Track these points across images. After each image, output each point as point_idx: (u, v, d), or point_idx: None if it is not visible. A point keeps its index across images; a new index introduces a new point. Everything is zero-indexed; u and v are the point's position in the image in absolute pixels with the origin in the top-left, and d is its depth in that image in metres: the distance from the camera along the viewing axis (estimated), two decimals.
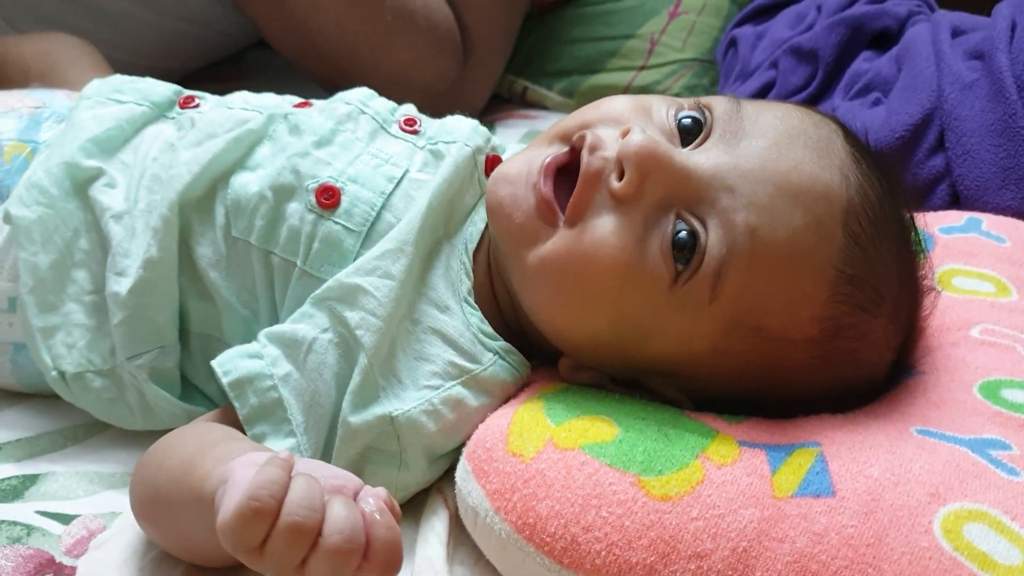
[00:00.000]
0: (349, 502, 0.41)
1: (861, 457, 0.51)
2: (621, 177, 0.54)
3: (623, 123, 0.56)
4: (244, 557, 0.41)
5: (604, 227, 0.54)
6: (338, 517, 0.40)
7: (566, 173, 0.56)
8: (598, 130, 0.56)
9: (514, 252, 0.57)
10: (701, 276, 0.53)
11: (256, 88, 1.22)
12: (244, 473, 0.42)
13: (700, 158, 0.54)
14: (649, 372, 0.57)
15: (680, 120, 0.56)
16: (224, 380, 0.54)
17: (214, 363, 0.55)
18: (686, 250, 0.53)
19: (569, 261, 0.54)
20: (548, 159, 0.56)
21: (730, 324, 0.54)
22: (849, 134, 0.58)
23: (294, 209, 0.60)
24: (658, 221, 0.54)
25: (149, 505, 0.52)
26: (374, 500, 0.42)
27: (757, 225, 0.52)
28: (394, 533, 0.41)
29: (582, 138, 0.56)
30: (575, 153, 0.56)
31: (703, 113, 0.56)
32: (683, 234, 0.53)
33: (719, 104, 0.57)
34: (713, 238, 0.53)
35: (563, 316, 0.56)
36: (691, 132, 0.56)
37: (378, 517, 0.41)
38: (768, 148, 0.54)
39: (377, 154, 0.62)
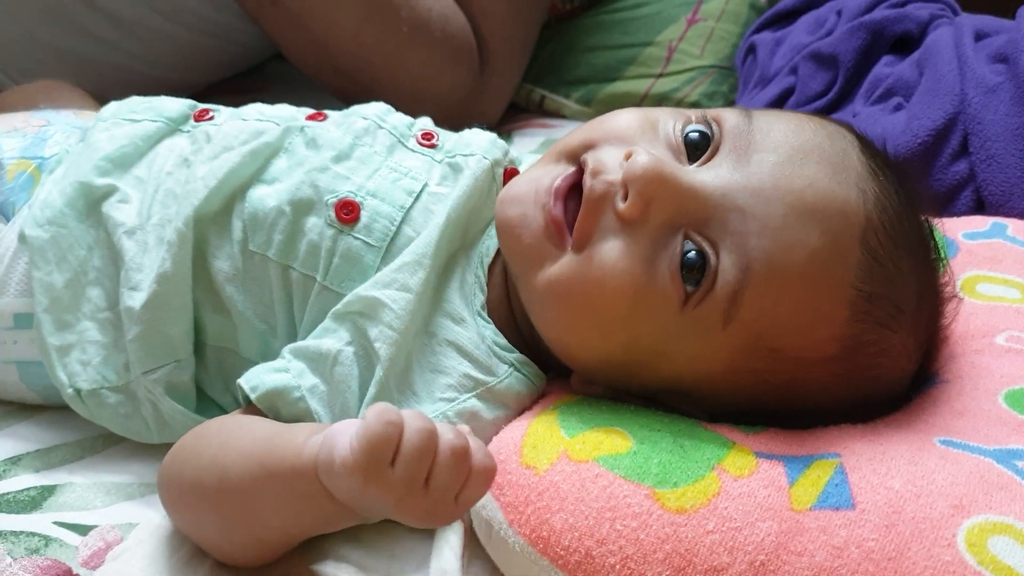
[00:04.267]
0: (442, 422, 0.47)
1: (882, 468, 0.50)
2: (626, 199, 0.53)
3: (628, 141, 0.55)
4: (375, 481, 0.44)
5: (611, 251, 0.53)
6: (446, 428, 0.45)
7: (576, 191, 0.56)
8: (601, 151, 0.56)
9: (522, 272, 0.57)
10: (714, 300, 0.52)
11: (277, 99, 1.22)
12: (348, 425, 0.46)
13: (707, 176, 0.54)
14: (663, 391, 0.56)
15: (687, 134, 0.56)
16: (252, 396, 0.55)
17: (240, 381, 0.55)
18: (695, 270, 0.52)
19: (577, 284, 0.54)
20: (559, 181, 0.56)
21: (745, 346, 0.53)
22: (866, 145, 0.57)
23: (313, 224, 0.60)
24: (666, 242, 0.53)
25: (211, 488, 0.51)
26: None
27: (773, 249, 0.52)
28: (480, 443, 0.46)
29: (585, 162, 0.56)
30: (582, 173, 0.56)
31: (711, 127, 0.56)
32: (692, 254, 0.53)
33: (729, 117, 0.56)
34: (726, 262, 0.52)
35: (573, 338, 0.56)
36: (699, 147, 0.55)
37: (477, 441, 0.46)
38: (780, 164, 0.53)
39: (396, 168, 0.62)
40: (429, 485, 0.44)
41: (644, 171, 0.53)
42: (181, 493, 0.54)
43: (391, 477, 0.44)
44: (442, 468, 0.44)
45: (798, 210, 0.52)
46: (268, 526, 0.52)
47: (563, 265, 0.54)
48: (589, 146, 0.56)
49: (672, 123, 0.57)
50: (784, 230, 0.52)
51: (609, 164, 0.55)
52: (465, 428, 0.47)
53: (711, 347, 0.53)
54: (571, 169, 0.56)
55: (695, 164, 0.55)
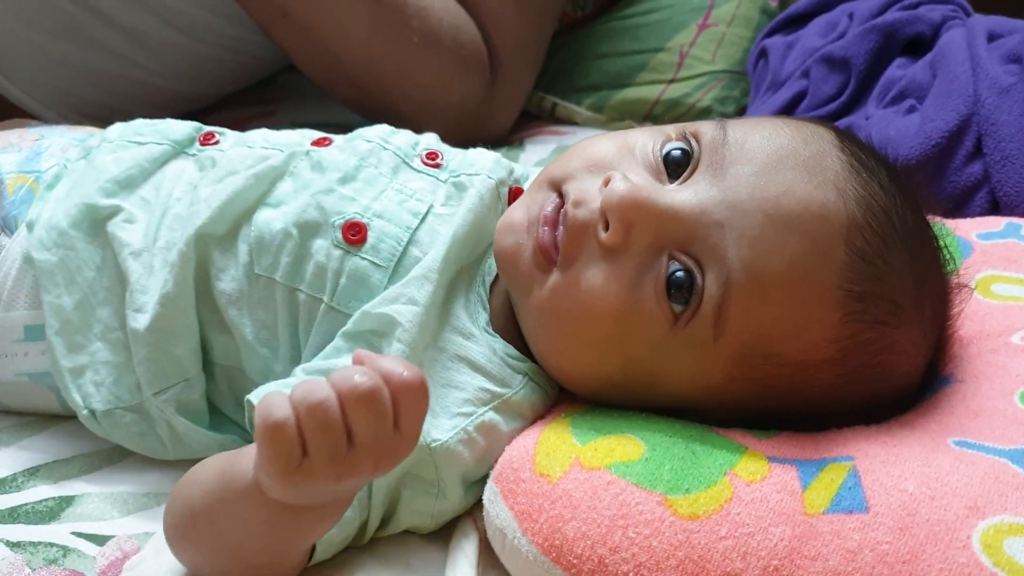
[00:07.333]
0: (347, 368, 0.43)
1: (895, 471, 0.50)
2: (607, 228, 0.54)
3: (606, 168, 0.56)
4: (304, 478, 0.42)
5: (596, 276, 0.54)
6: (337, 378, 0.42)
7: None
8: (581, 180, 0.56)
9: (520, 299, 0.57)
10: (702, 315, 0.53)
11: (290, 109, 1.23)
12: None
13: (686, 195, 0.54)
14: (667, 409, 0.56)
15: (669, 153, 0.56)
16: None
17: (250, 397, 0.55)
18: (684, 289, 0.53)
19: (565, 303, 0.55)
20: (547, 208, 0.56)
21: (741, 355, 0.53)
22: (847, 143, 0.56)
23: (320, 246, 0.60)
24: (651, 265, 0.54)
25: (188, 526, 0.52)
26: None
27: (750, 258, 0.52)
28: (386, 361, 0.43)
29: (567, 193, 0.56)
30: (564, 202, 0.56)
31: (690, 143, 0.56)
32: (679, 274, 0.53)
33: (706, 131, 0.56)
34: (709, 277, 0.53)
35: (570, 362, 0.56)
36: (680, 164, 0.56)
37: (384, 363, 0.43)
38: (756, 175, 0.53)
39: (401, 189, 0.63)
40: (355, 442, 0.42)
41: (621, 199, 0.53)
42: (171, 537, 0.54)
43: (315, 465, 0.42)
44: (358, 422, 0.42)
45: (774, 218, 0.52)
46: (249, 549, 0.51)
47: (551, 283, 0.55)
48: (570, 175, 0.57)
49: (651, 144, 0.57)
50: (761, 239, 0.52)
51: (589, 193, 0.55)
52: (364, 352, 0.44)
53: (707, 362, 0.54)
54: (554, 196, 0.57)
55: (676, 183, 0.55)
